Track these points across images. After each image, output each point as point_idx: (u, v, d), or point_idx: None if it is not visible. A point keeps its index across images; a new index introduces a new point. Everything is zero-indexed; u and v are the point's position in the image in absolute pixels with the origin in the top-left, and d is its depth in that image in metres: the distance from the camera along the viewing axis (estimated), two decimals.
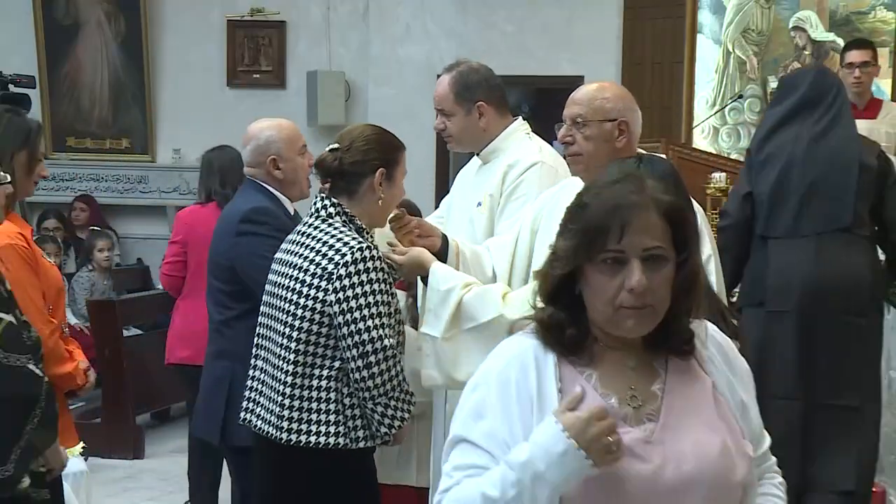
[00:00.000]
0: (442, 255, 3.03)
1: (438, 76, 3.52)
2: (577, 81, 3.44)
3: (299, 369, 2.70)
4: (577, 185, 3.01)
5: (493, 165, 3.41)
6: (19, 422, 2.43)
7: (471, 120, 3.38)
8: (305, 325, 2.69)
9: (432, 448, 3.44)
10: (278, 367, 2.74)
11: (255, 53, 8.32)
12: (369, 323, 2.62)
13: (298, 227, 2.80)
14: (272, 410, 2.75)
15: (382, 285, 2.65)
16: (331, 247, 2.68)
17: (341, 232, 2.71)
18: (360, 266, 2.63)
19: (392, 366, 2.66)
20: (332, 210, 2.76)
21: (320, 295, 2.65)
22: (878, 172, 3.79)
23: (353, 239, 2.68)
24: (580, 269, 1.63)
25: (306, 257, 2.71)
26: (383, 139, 2.84)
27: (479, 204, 3.39)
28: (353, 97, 8.14)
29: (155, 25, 8.30)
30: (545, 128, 3.40)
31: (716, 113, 7.12)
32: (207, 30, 8.26)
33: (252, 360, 2.90)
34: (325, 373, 2.69)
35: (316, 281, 2.67)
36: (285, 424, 2.71)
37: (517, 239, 3.10)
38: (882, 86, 6.77)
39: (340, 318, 2.63)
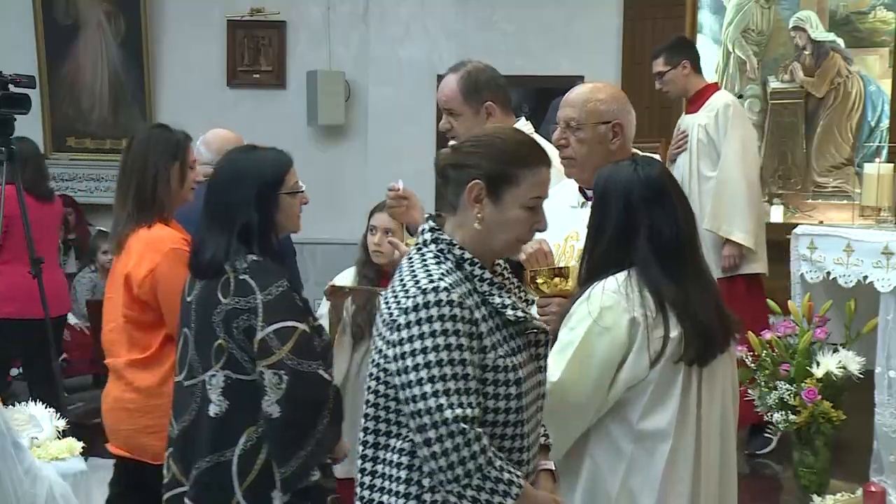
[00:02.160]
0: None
1: (439, 76, 3.51)
2: (577, 81, 3.43)
3: (370, 438, 2.18)
4: (573, 185, 3.01)
5: None
6: (311, 424, 2.59)
7: (479, 120, 3.37)
8: (373, 384, 2.16)
9: None
10: (360, 437, 2.24)
11: (255, 53, 8.31)
12: (426, 388, 2.03)
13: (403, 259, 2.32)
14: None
15: (452, 338, 2.03)
16: (403, 286, 2.11)
17: (424, 266, 2.13)
18: (422, 314, 2.04)
19: (462, 444, 2.02)
20: (427, 236, 2.20)
21: (384, 348, 2.12)
22: None
23: (427, 277, 2.09)
24: None
25: (386, 298, 2.17)
26: (500, 144, 2.19)
27: None
28: (353, 97, 8.14)
29: (155, 25, 8.29)
30: (545, 128, 3.39)
31: None
32: (207, 30, 8.25)
33: None
34: (397, 444, 2.14)
35: (384, 330, 2.13)
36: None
37: None
38: (882, 86, 6.77)
39: (397, 380, 2.08)
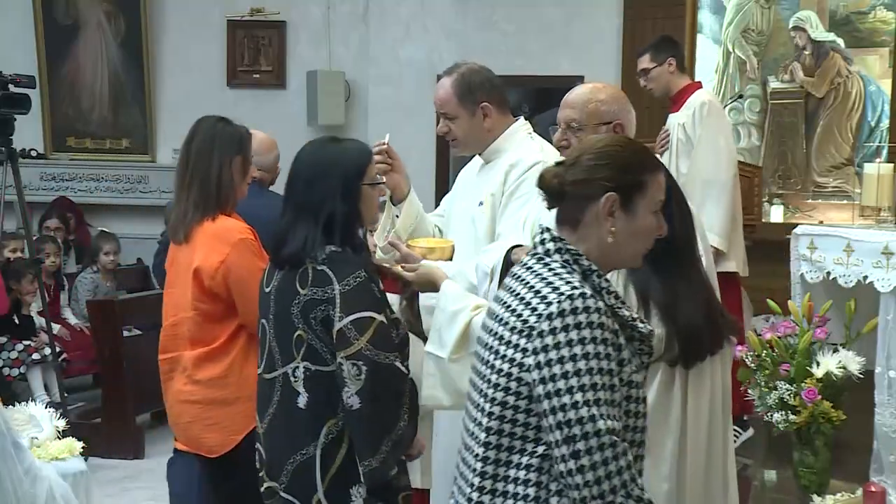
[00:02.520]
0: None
1: (439, 76, 3.52)
2: (577, 81, 3.43)
3: (491, 453, 2.03)
4: None
5: (495, 165, 3.41)
6: (392, 416, 2.59)
7: (475, 122, 3.37)
8: (500, 395, 2.02)
9: (433, 450, 3.43)
10: (469, 447, 2.11)
11: (255, 53, 8.32)
12: (577, 397, 1.93)
13: (513, 269, 2.22)
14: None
15: (601, 347, 1.97)
16: (537, 293, 2.03)
17: (555, 274, 2.06)
18: (570, 319, 1.96)
19: (611, 458, 1.93)
20: (550, 246, 2.12)
21: (518, 356, 2.00)
22: None
23: (567, 284, 2.02)
24: None
25: (509, 307, 2.07)
26: (623, 154, 2.17)
27: (481, 203, 3.39)
28: (353, 97, 8.14)
29: (155, 25, 8.30)
30: (545, 128, 3.39)
31: None
32: (207, 30, 8.26)
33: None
34: (523, 460, 2.03)
35: (515, 338, 2.01)
36: None
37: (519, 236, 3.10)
38: (882, 86, 6.77)
39: (541, 389, 1.97)
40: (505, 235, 3.16)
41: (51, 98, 8.31)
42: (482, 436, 2.02)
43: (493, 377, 2.01)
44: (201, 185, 3.32)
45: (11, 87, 5.05)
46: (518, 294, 2.04)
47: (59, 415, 3.98)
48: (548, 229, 2.11)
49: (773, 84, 7.17)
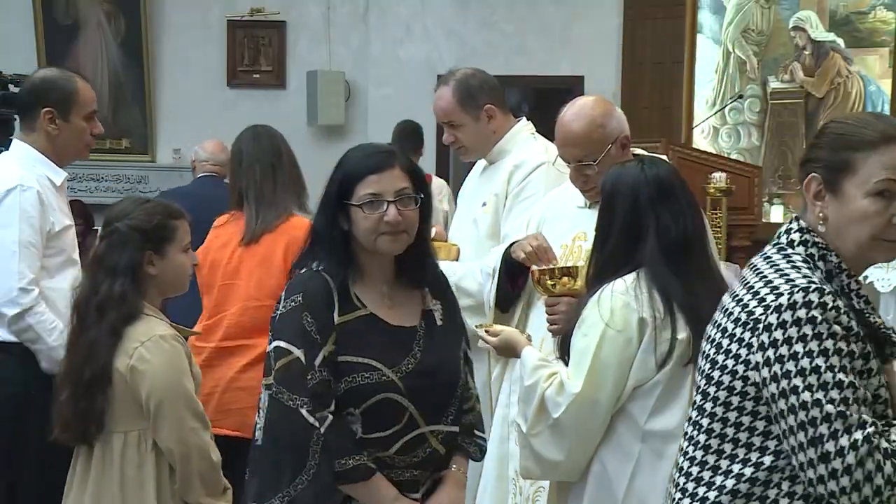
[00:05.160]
0: None
1: (439, 76, 3.51)
2: (577, 81, 3.44)
3: (710, 458, 1.80)
4: None
5: (498, 166, 3.41)
6: (287, 470, 2.26)
7: (481, 126, 3.37)
8: (722, 394, 1.79)
9: None
10: (685, 452, 1.86)
11: (255, 53, 8.32)
12: (819, 395, 1.68)
13: (753, 259, 1.95)
14: None
15: (841, 343, 1.71)
16: (768, 283, 1.80)
17: (794, 267, 1.82)
18: (802, 313, 1.72)
19: (866, 454, 1.65)
20: (795, 237, 1.87)
21: (743, 352, 1.77)
22: None
23: (804, 277, 1.78)
24: None
25: (736, 297, 1.84)
26: (837, 130, 1.93)
27: (484, 204, 3.39)
28: (353, 97, 8.14)
29: (155, 25, 8.29)
30: (545, 128, 3.40)
31: (716, 113, 7.12)
32: (207, 30, 8.25)
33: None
34: (734, 468, 1.78)
35: (739, 331, 1.79)
36: None
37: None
38: (882, 86, 6.78)
39: (773, 388, 1.72)
40: (511, 237, 3.16)
41: None
42: (700, 436, 1.82)
43: (716, 374, 1.81)
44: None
45: (11, 87, 5.05)
46: (749, 285, 1.83)
47: None
48: (797, 218, 1.89)
49: (773, 84, 7.17)
